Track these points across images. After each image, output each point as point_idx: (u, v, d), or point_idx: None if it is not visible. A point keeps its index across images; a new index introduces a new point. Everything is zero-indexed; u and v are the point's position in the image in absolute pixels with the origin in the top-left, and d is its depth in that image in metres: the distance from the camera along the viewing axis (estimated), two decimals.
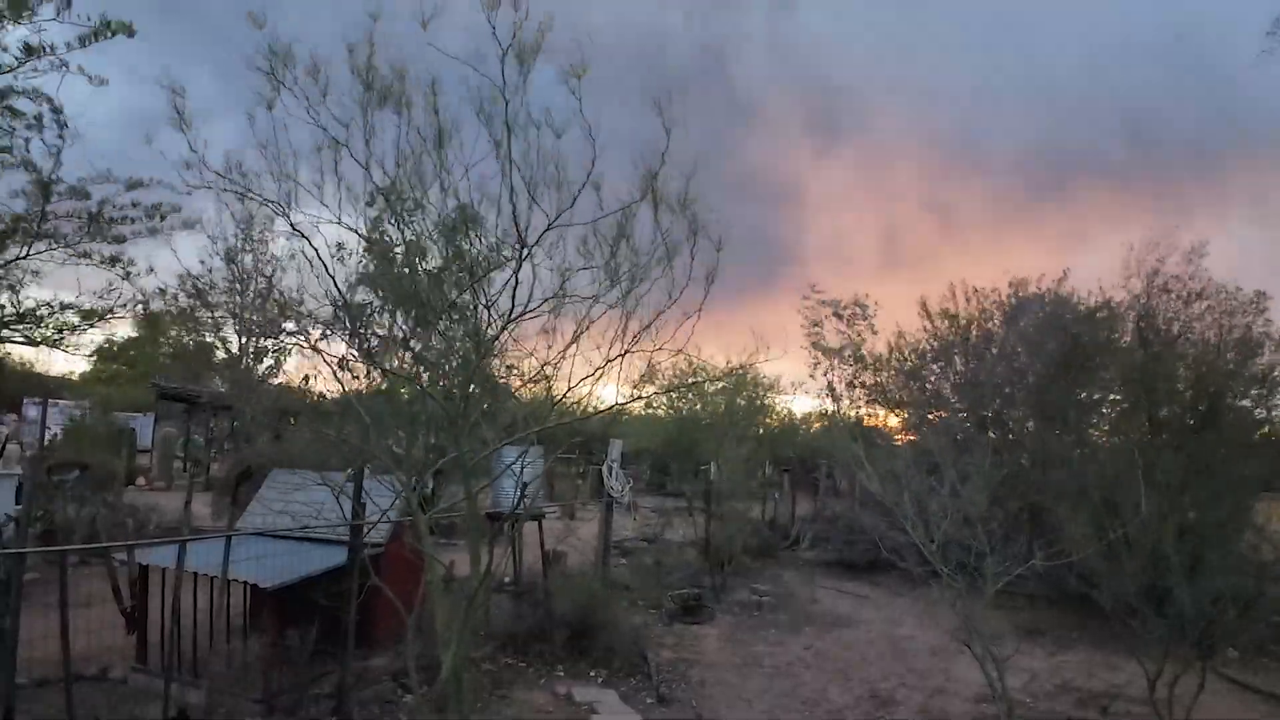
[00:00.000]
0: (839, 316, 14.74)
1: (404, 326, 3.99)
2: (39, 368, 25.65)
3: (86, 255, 8.13)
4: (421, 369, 4.04)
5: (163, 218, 8.20)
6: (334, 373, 4.15)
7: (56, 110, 6.95)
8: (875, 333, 14.67)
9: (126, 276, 8.45)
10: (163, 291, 8.72)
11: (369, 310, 3.94)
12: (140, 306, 9.03)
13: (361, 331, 3.98)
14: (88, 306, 8.53)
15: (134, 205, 8.05)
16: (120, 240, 8.24)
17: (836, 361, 14.83)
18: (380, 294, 3.92)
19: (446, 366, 4.08)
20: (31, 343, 8.66)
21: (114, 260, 8.36)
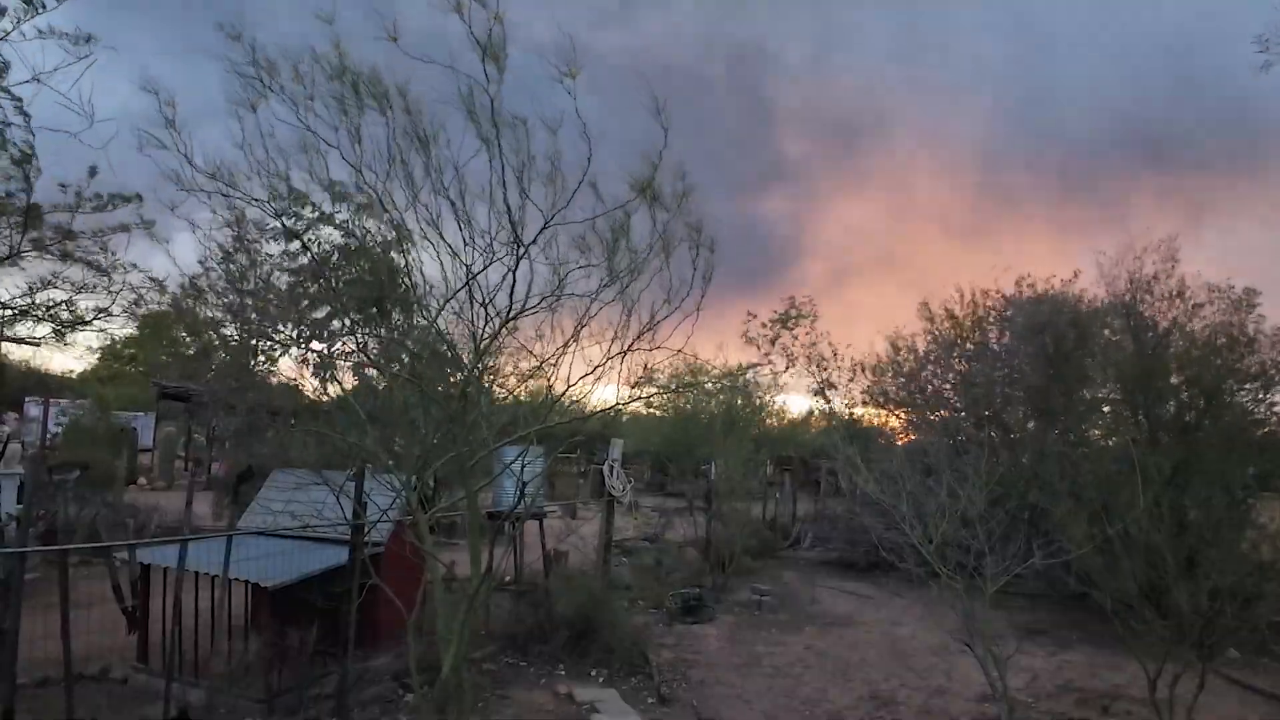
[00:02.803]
0: (786, 328, 14.99)
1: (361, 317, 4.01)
2: (39, 365, 25.65)
3: (71, 255, 8.10)
4: (399, 366, 4.06)
5: (139, 201, 8.14)
6: (327, 369, 4.16)
7: (19, 102, 6.92)
8: (817, 338, 14.88)
9: (108, 274, 8.42)
10: (158, 283, 8.65)
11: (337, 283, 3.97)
12: (134, 306, 8.99)
13: (349, 324, 4.01)
14: (83, 305, 8.51)
15: (98, 196, 8.02)
16: (101, 234, 8.22)
17: (816, 366, 15.01)
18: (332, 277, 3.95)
19: (416, 361, 4.08)
20: (32, 343, 8.65)
21: (97, 266, 8.35)
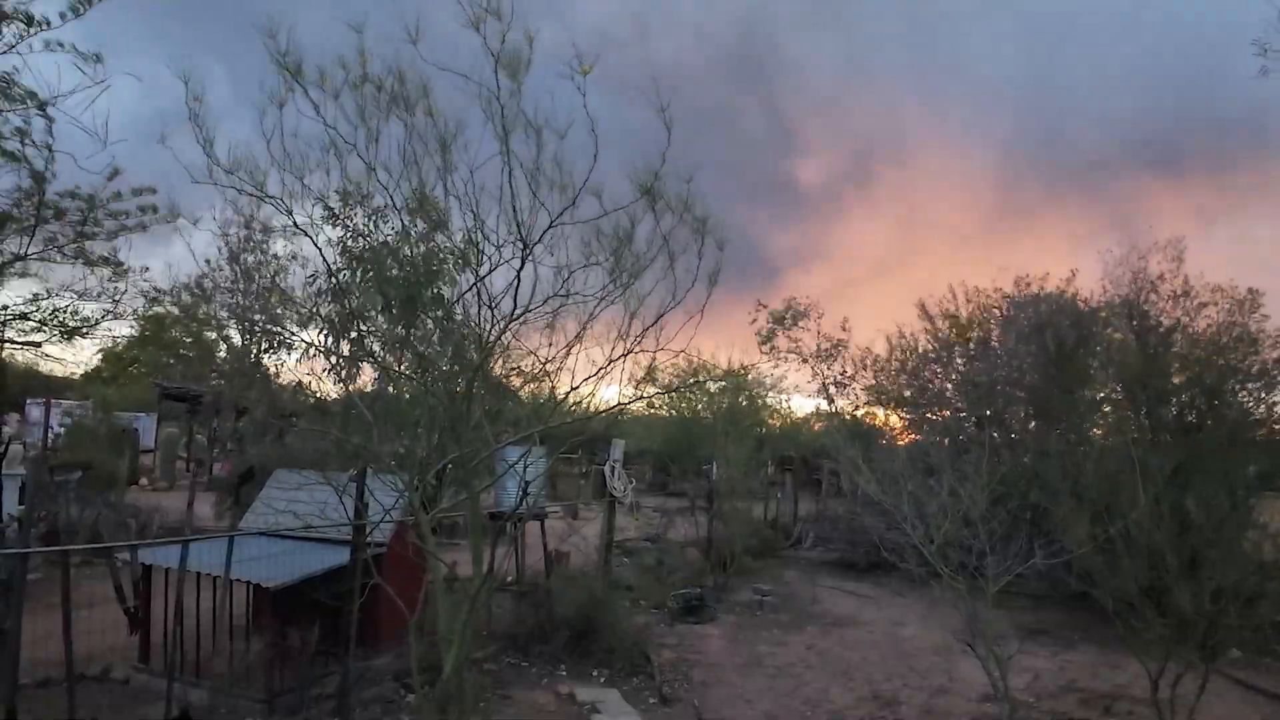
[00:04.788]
0: (781, 325, 14.98)
1: (384, 319, 4.01)
2: (41, 368, 25.63)
3: (83, 254, 8.07)
4: (418, 365, 4.06)
5: (154, 210, 8.12)
6: (334, 368, 4.16)
7: (41, 103, 6.90)
8: (821, 336, 14.88)
9: (122, 275, 8.40)
10: (162, 291, 8.62)
11: (356, 295, 3.96)
12: (141, 306, 8.97)
13: (356, 326, 4.00)
14: (86, 311, 8.48)
15: (118, 196, 7.99)
16: (113, 235, 8.19)
17: (820, 363, 14.97)
18: (362, 279, 3.95)
19: (442, 361, 4.08)
20: (34, 345, 8.63)
21: (109, 261, 8.32)
